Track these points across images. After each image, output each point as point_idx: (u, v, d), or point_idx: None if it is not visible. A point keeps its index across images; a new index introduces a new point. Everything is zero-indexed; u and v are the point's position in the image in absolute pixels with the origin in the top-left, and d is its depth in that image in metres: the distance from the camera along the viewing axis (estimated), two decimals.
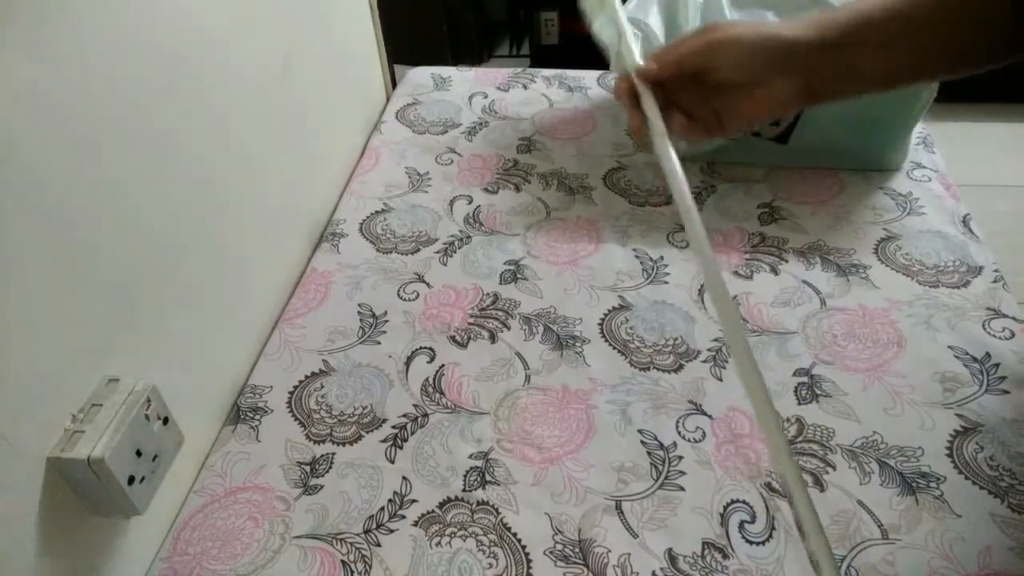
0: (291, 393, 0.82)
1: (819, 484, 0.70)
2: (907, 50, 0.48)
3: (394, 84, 1.40)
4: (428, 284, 0.95)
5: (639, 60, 0.53)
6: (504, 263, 0.97)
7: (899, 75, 0.50)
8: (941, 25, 0.47)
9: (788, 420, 0.76)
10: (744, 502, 0.69)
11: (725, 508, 0.69)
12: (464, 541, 0.68)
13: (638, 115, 0.52)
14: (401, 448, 0.76)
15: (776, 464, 0.43)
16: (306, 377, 0.83)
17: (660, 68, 0.51)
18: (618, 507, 0.70)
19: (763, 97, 0.50)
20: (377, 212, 1.07)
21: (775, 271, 0.94)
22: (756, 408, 0.45)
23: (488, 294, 0.93)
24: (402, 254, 1.00)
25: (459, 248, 1.00)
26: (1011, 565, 0.64)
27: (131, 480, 0.57)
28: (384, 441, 0.76)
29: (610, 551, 0.66)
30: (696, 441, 0.75)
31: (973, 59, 0.48)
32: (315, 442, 0.77)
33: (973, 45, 0.48)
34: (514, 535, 0.68)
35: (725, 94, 0.51)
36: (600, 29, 0.58)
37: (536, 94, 1.32)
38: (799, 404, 0.78)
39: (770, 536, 0.67)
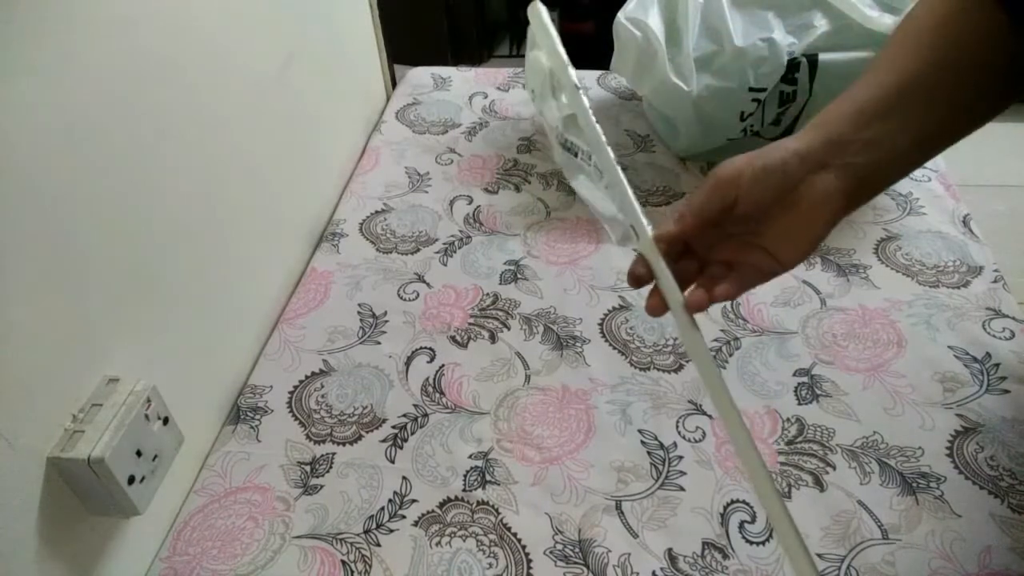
0: (291, 393, 0.82)
1: (819, 484, 0.70)
2: (913, 124, 0.45)
3: (394, 84, 1.40)
4: (428, 284, 0.95)
5: (646, 224, 0.47)
6: (504, 263, 0.97)
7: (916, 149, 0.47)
8: (937, 92, 0.45)
9: (788, 420, 0.76)
10: (744, 502, 0.69)
11: (725, 508, 0.69)
12: (464, 541, 0.68)
13: (657, 294, 0.47)
14: (401, 448, 0.76)
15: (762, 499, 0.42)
16: (306, 377, 0.83)
17: (680, 226, 0.46)
18: (618, 507, 0.70)
19: (805, 207, 0.44)
20: (377, 212, 1.07)
21: None
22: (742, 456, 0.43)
23: (488, 294, 0.93)
24: (402, 254, 1.00)
25: (459, 248, 1.00)
26: (1011, 565, 0.64)
27: (131, 480, 0.57)
28: (384, 441, 0.76)
29: (610, 551, 0.66)
30: (696, 441, 0.75)
31: (977, 115, 0.46)
32: (315, 442, 0.77)
33: (974, 101, 0.46)
34: (514, 535, 0.68)
35: (765, 225, 0.46)
36: (559, 134, 0.51)
37: None
38: (799, 404, 0.78)
39: (770, 536, 0.67)
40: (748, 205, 0.45)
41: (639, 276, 0.47)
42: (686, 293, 0.46)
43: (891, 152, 0.45)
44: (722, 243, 0.47)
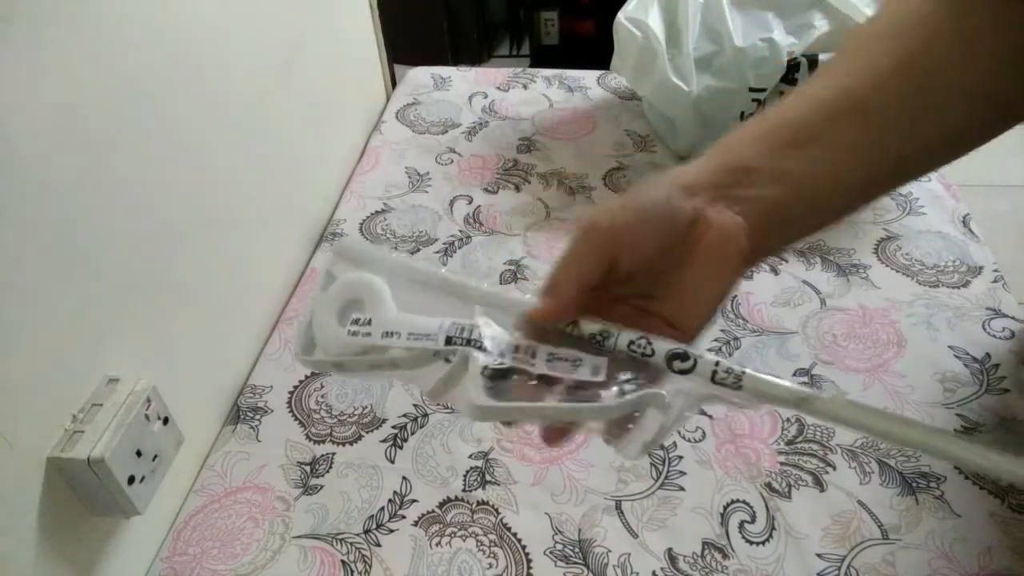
0: (291, 393, 0.82)
1: (819, 484, 0.70)
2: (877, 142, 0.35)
3: (394, 84, 1.40)
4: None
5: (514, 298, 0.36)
6: (504, 263, 0.97)
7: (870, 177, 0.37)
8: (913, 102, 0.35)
9: (788, 420, 0.76)
10: (744, 502, 0.69)
11: (725, 508, 0.69)
12: (464, 541, 0.68)
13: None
14: (401, 448, 0.76)
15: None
16: (306, 377, 0.83)
17: (557, 301, 0.34)
18: (618, 507, 0.70)
19: (700, 254, 0.34)
20: (377, 212, 1.07)
21: (775, 271, 0.94)
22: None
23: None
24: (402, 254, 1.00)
25: (459, 248, 1.00)
26: (1011, 565, 0.64)
27: (131, 480, 0.57)
28: (384, 441, 0.76)
29: (610, 551, 0.66)
30: (696, 441, 0.75)
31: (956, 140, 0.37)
32: (315, 442, 0.77)
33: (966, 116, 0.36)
34: (514, 535, 0.68)
35: (657, 284, 0.36)
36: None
37: (536, 94, 1.32)
38: None
39: (770, 536, 0.67)
40: (632, 260, 0.34)
41: None
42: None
43: (812, 185, 0.35)
44: (613, 309, 0.36)
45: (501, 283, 0.94)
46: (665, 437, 0.32)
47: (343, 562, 0.66)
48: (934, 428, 0.32)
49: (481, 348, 0.33)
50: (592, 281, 0.34)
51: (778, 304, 0.89)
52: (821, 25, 1.02)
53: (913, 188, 1.05)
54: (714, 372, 0.32)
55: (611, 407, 0.32)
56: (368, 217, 1.06)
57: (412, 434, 0.77)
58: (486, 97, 1.32)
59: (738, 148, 0.36)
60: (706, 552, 0.66)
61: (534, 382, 0.34)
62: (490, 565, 0.66)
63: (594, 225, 0.34)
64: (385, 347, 0.34)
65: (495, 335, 0.34)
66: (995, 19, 0.34)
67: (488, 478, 0.72)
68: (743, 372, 0.32)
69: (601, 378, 0.33)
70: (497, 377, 0.33)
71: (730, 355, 0.83)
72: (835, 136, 0.35)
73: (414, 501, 0.71)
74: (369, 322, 0.34)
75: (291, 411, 0.80)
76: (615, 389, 0.33)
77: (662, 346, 0.33)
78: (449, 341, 0.33)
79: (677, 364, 0.33)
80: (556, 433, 0.36)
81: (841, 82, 0.36)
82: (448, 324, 0.34)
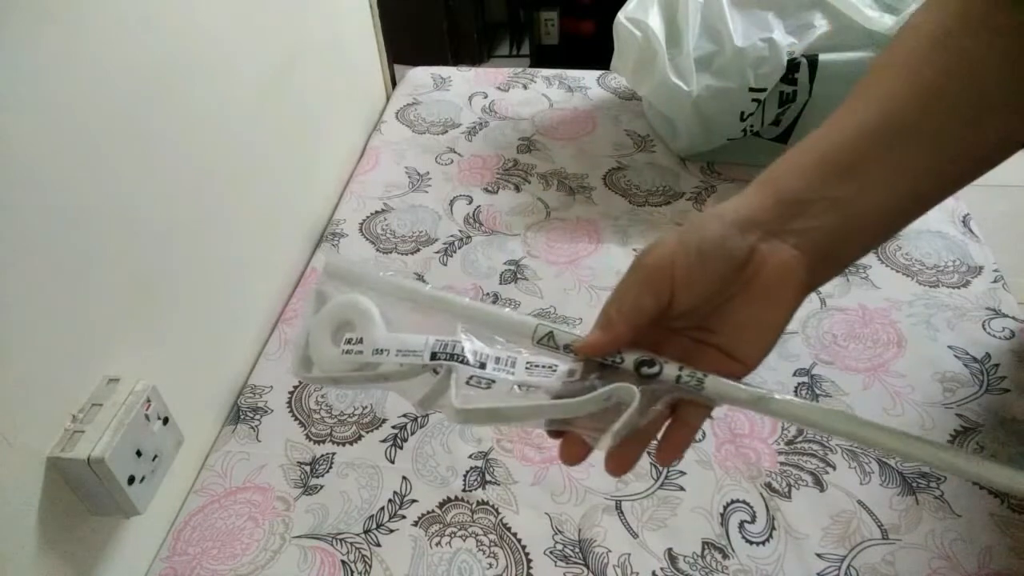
0: (291, 393, 0.82)
1: (819, 484, 0.70)
2: (905, 168, 0.35)
3: (394, 84, 1.40)
4: (428, 284, 0.94)
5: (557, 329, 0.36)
6: (504, 263, 0.97)
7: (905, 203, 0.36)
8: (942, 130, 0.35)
9: None
10: (744, 502, 0.69)
11: (725, 508, 0.69)
12: (464, 541, 0.68)
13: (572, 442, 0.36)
14: (401, 448, 0.76)
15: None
16: None
17: (609, 336, 0.35)
18: (618, 507, 0.70)
19: (757, 290, 0.35)
20: (377, 212, 1.07)
21: None
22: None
23: (488, 294, 0.93)
24: (402, 254, 0.99)
25: (459, 248, 1.00)
26: (1011, 565, 0.64)
27: (131, 480, 0.57)
28: (384, 441, 0.76)
29: (610, 551, 0.66)
30: (696, 441, 0.75)
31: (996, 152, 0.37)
32: (315, 442, 0.77)
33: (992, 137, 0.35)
34: (514, 535, 0.68)
35: (714, 318, 0.36)
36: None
37: (536, 94, 1.32)
38: None
39: (770, 536, 0.67)
40: (688, 299, 0.35)
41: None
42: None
43: (865, 212, 0.35)
44: (668, 341, 0.37)
45: (501, 283, 0.94)
46: (632, 427, 0.34)
47: (343, 562, 0.66)
48: (889, 428, 0.33)
49: (463, 361, 0.36)
50: (647, 319, 0.35)
51: None
52: (821, 25, 1.02)
53: None
54: (678, 376, 0.35)
55: (582, 401, 0.34)
56: (368, 217, 1.06)
57: (412, 434, 0.77)
58: (486, 97, 1.32)
59: (788, 180, 0.36)
60: (706, 552, 0.66)
61: (517, 389, 0.36)
62: (490, 565, 0.66)
63: (650, 264, 0.35)
64: (376, 363, 0.36)
65: (476, 349, 0.36)
66: (1015, 39, 0.34)
67: (488, 478, 0.72)
68: (704, 376, 0.35)
69: (576, 378, 0.36)
70: (481, 387, 0.36)
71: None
72: (884, 161, 0.35)
73: (414, 501, 0.71)
74: (360, 341, 0.36)
75: (291, 411, 0.80)
76: (588, 385, 0.35)
77: (712, 380, 0.35)
78: (434, 356, 0.36)
79: (644, 369, 0.35)
80: (573, 450, 0.36)
81: (885, 105, 0.36)
82: (432, 341, 0.36)
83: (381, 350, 0.36)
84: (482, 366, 0.36)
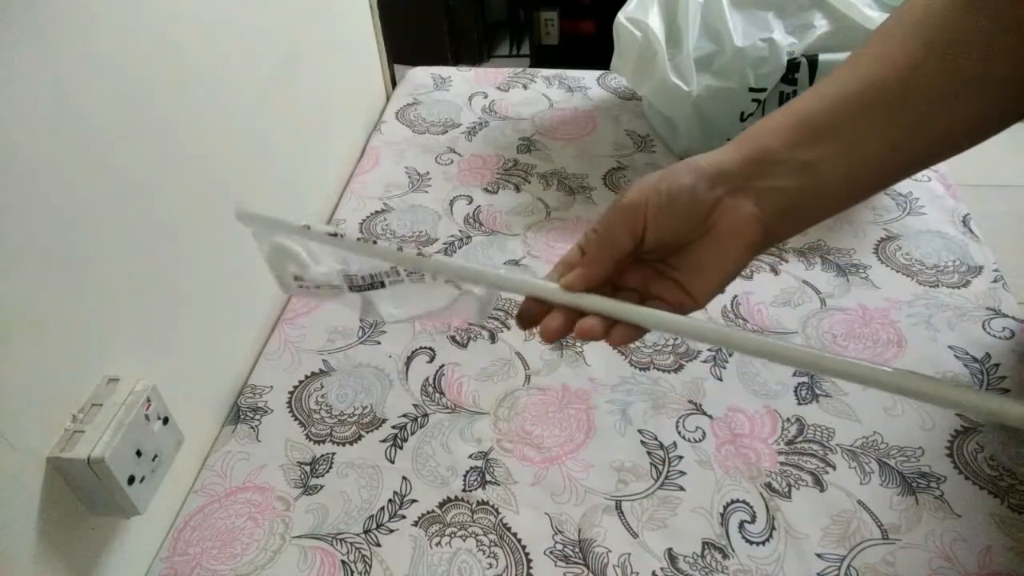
0: (291, 393, 0.82)
1: (819, 484, 0.70)
2: (880, 135, 0.37)
3: (394, 84, 1.40)
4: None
5: (544, 281, 0.41)
6: (504, 263, 0.97)
7: (872, 172, 0.38)
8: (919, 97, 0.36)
9: (788, 420, 0.76)
10: (744, 502, 0.69)
11: (725, 508, 0.69)
12: (464, 541, 0.68)
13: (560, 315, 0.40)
14: (401, 448, 0.76)
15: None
16: (306, 377, 0.83)
17: (590, 269, 0.39)
18: (618, 507, 0.70)
19: (715, 238, 0.39)
20: (377, 212, 1.07)
21: (775, 271, 0.94)
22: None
23: None
24: None
25: (459, 248, 1.00)
26: (1011, 565, 0.64)
27: (131, 480, 0.57)
28: (384, 441, 0.76)
29: (610, 551, 0.66)
30: (696, 441, 0.75)
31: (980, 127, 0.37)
32: (315, 442, 0.77)
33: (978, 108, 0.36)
34: (514, 535, 0.68)
35: (677, 255, 0.40)
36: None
37: (536, 94, 1.32)
38: (799, 404, 0.78)
39: (770, 536, 0.67)
40: (656, 237, 0.39)
41: (531, 314, 0.41)
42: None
43: (828, 178, 0.37)
44: (633, 269, 0.42)
45: None
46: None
47: (343, 562, 0.66)
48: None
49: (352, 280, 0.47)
50: (623, 253, 0.40)
51: (778, 304, 0.89)
52: (821, 25, 1.02)
53: (913, 188, 1.05)
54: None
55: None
56: (368, 217, 1.06)
57: (412, 434, 0.77)
58: (486, 97, 1.32)
59: (763, 139, 0.38)
60: (706, 552, 0.66)
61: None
62: (490, 565, 0.66)
63: (627, 203, 0.39)
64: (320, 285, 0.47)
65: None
66: (1018, 19, 0.35)
67: (488, 478, 0.72)
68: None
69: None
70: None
71: (730, 355, 0.83)
72: (857, 129, 0.36)
73: (414, 501, 0.71)
74: (303, 277, 0.47)
75: (291, 411, 0.80)
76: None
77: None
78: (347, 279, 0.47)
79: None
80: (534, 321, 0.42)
81: (869, 72, 0.37)
82: (337, 270, 0.47)
83: (319, 285, 0.47)
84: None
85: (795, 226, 0.40)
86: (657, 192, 0.38)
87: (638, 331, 0.40)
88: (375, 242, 0.45)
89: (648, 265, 0.41)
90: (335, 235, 0.45)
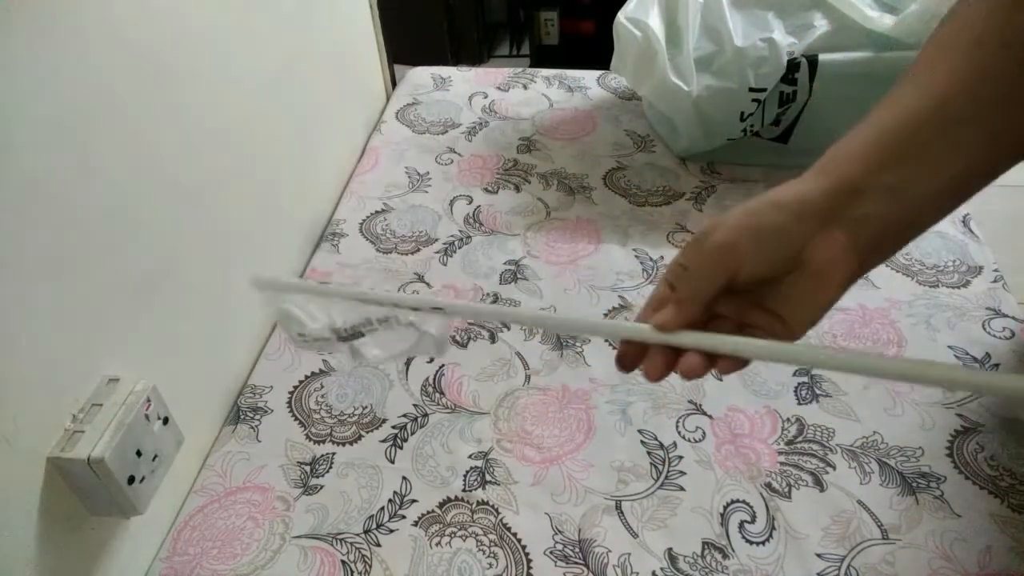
0: (291, 393, 0.82)
1: (819, 484, 0.70)
2: (965, 147, 0.36)
3: (394, 84, 1.40)
4: (428, 284, 0.95)
5: (626, 324, 0.41)
6: (504, 263, 0.97)
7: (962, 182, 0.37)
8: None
9: (788, 420, 0.76)
10: (744, 502, 0.69)
11: (725, 508, 0.69)
12: (464, 541, 0.68)
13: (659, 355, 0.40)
14: (401, 448, 0.76)
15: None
16: (306, 377, 0.83)
17: (683, 309, 0.39)
18: (618, 507, 0.70)
19: (811, 272, 0.37)
20: (377, 212, 1.07)
21: None
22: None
23: (488, 294, 0.93)
24: (402, 254, 0.99)
25: (459, 248, 1.00)
26: (1011, 565, 0.64)
27: (131, 480, 0.57)
28: (384, 441, 0.76)
29: (610, 551, 0.66)
30: (696, 441, 0.75)
31: None
32: (315, 442, 0.77)
33: None
34: (514, 535, 0.68)
35: (770, 287, 0.39)
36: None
37: (536, 94, 1.32)
38: (799, 404, 0.78)
39: (770, 536, 0.67)
40: (746, 277, 0.38)
41: (630, 356, 0.41)
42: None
43: (918, 199, 0.36)
44: (726, 297, 0.40)
45: (501, 283, 0.94)
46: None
47: (343, 562, 0.66)
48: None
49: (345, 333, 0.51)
50: (715, 293, 0.39)
51: None
52: (821, 25, 1.02)
53: None
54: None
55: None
56: (368, 217, 1.06)
57: (412, 434, 0.77)
58: (486, 97, 1.32)
59: (844, 168, 0.37)
60: (706, 552, 0.66)
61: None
62: (490, 565, 0.66)
63: (718, 243, 0.38)
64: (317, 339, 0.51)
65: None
66: None
67: (488, 478, 0.72)
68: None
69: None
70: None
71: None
72: (936, 146, 0.36)
73: (414, 501, 0.71)
74: (304, 334, 0.51)
75: (291, 411, 0.80)
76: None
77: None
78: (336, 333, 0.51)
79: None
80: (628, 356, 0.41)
81: (935, 91, 0.36)
82: (327, 324, 0.51)
83: (317, 339, 0.51)
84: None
85: (890, 251, 0.39)
86: (747, 232, 0.38)
87: (740, 361, 0.39)
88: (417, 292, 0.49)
89: (743, 296, 0.40)
90: (361, 293, 0.50)
